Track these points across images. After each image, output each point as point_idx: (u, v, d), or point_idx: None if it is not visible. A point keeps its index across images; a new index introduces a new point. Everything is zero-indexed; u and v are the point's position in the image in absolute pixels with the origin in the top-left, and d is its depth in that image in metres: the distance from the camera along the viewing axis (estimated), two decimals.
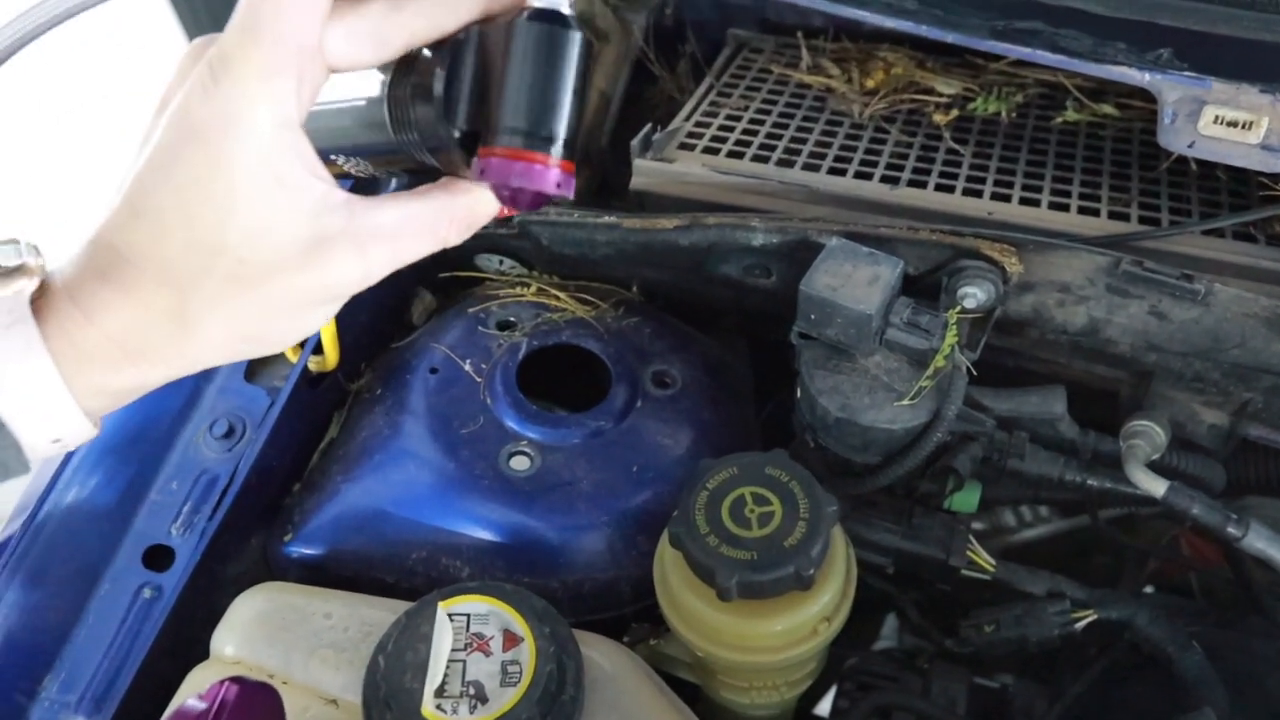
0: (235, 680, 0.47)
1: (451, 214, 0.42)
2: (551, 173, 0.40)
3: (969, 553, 0.72)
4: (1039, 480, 0.72)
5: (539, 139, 0.40)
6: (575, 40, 0.40)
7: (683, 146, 0.83)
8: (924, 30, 0.74)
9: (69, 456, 0.71)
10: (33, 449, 0.39)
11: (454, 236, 0.43)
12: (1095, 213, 0.76)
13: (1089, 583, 0.74)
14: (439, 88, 0.41)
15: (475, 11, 0.40)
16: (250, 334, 0.40)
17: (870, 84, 0.89)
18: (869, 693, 0.74)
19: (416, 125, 0.43)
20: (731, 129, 0.85)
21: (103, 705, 0.64)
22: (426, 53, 0.42)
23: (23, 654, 0.65)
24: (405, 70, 0.43)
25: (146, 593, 0.67)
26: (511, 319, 0.79)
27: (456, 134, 0.41)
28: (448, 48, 0.41)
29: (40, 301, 0.38)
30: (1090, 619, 0.71)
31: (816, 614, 0.60)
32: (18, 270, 0.38)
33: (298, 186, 0.37)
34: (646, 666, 0.63)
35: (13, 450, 0.38)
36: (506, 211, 0.45)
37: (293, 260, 0.38)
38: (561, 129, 0.40)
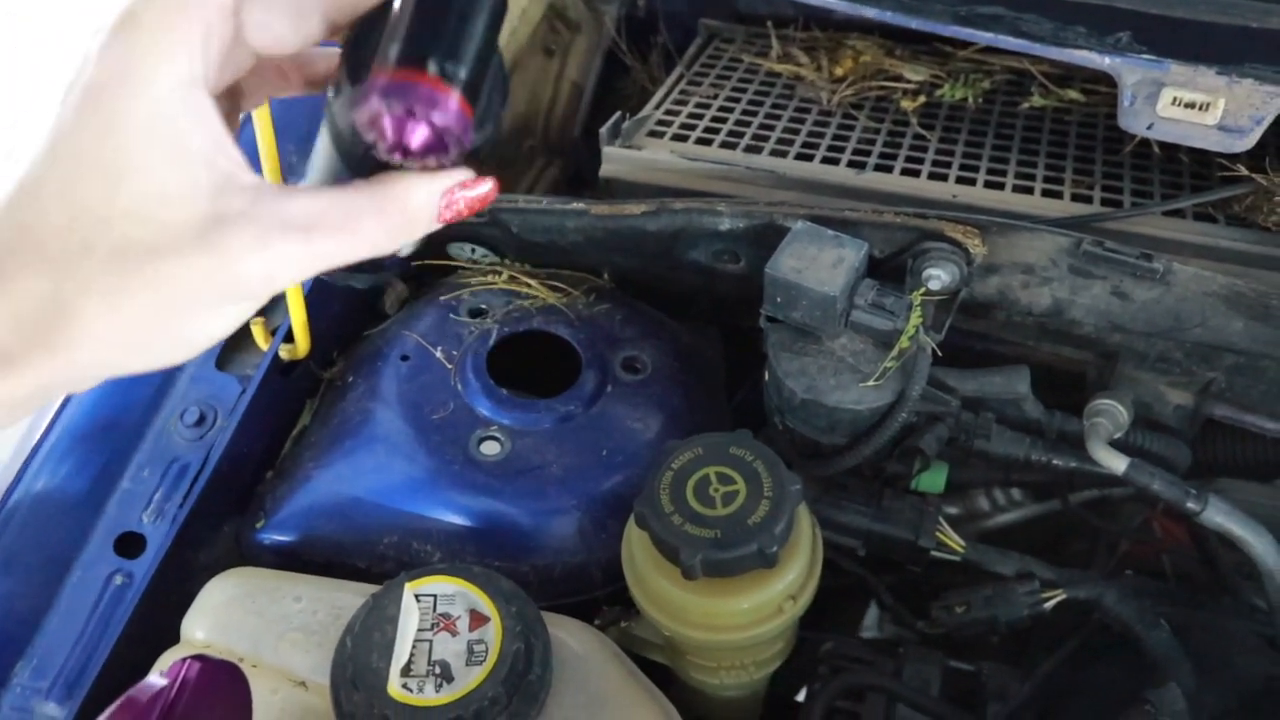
0: (198, 658, 0.47)
1: (380, 208, 0.36)
2: (448, 99, 0.35)
3: (938, 534, 0.73)
4: (1006, 461, 0.72)
5: (439, 66, 0.35)
6: None
7: (652, 134, 0.83)
8: (888, 16, 0.75)
9: (39, 444, 0.71)
10: None
11: (383, 239, 0.36)
12: (1059, 195, 0.76)
13: (1065, 568, 0.75)
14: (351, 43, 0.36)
15: None
16: (137, 335, 0.34)
17: (839, 72, 0.89)
18: (843, 675, 0.75)
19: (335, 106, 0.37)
20: (701, 116, 0.85)
21: (74, 691, 0.64)
22: None
23: None
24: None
25: (118, 580, 0.68)
26: (483, 306, 0.80)
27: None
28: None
29: None
30: (1059, 598, 0.71)
31: (782, 591, 0.60)
32: None
33: (198, 156, 0.33)
34: (616, 647, 0.64)
35: None
36: (443, 217, 0.39)
37: (186, 241, 0.33)
38: (464, 67, 0.35)
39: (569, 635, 0.62)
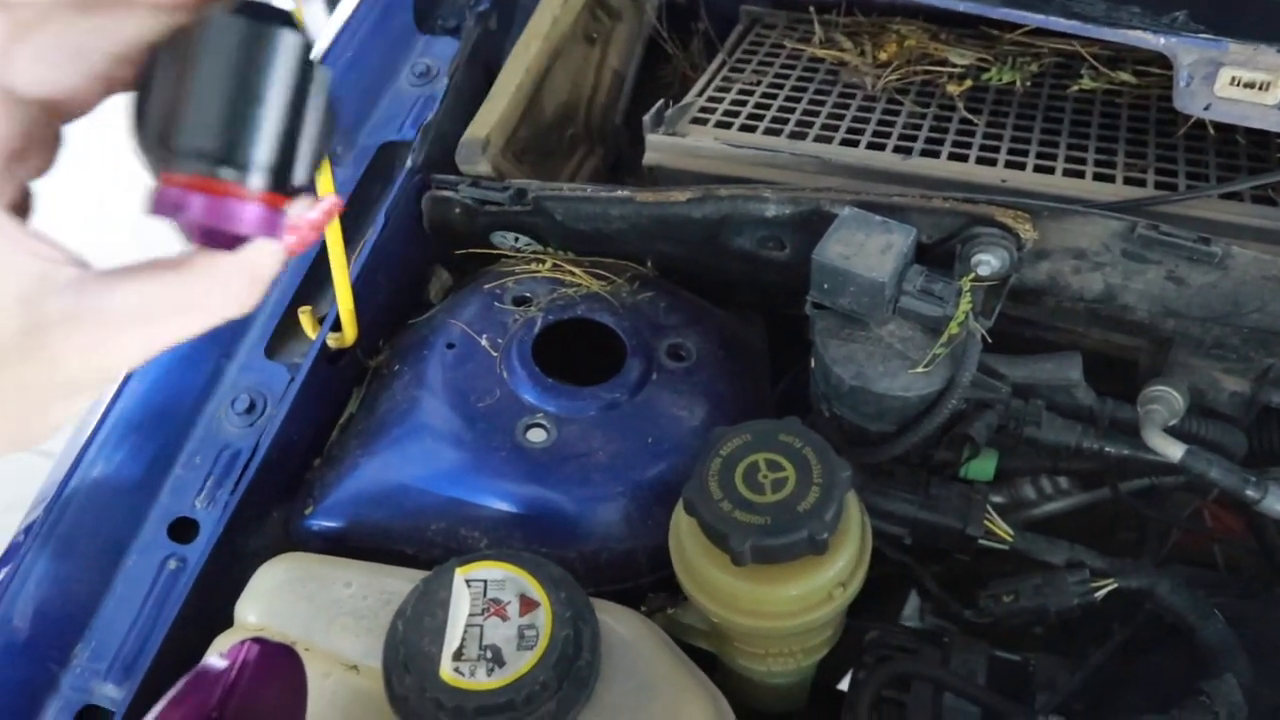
0: (256, 640, 0.48)
1: (223, 279, 0.33)
2: (246, 208, 0.31)
3: (986, 522, 0.72)
4: (1056, 448, 0.71)
5: (230, 164, 0.31)
6: (286, 40, 0.31)
7: (695, 121, 0.83)
8: (937, 1, 0.74)
9: (95, 431, 0.72)
10: None
11: (233, 307, 0.34)
12: (1110, 179, 0.75)
13: (1114, 557, 0.74)
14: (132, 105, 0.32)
15: (182, 12, 0.32)
16: None
17: (883, 57, 0.89)
18: (888, 664, 0.74)
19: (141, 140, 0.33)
20: (744, 103, 0.85)
21: (131, 672, 0.65)
22: None
23: (54, 624, 0.66)
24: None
25: (172, 564, 0.69)
26: (527, 294, 0.80)
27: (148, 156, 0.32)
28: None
29: None
30: (1110, 588, 0.71)
31: (831, 579, 0.60)
32: None
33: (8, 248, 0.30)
34: (663, 634, 0.64)
35: None
36: (291, 253, 0.35)
37: (10, 355, 0.30)
38: (262, 153, 0.31)
39: (617, 621, 0.62)
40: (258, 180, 0.32)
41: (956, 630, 0.80)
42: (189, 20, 0.32)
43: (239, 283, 0.33)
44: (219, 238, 0.32)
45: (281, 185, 0.32)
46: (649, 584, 0.72)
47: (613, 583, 0.71)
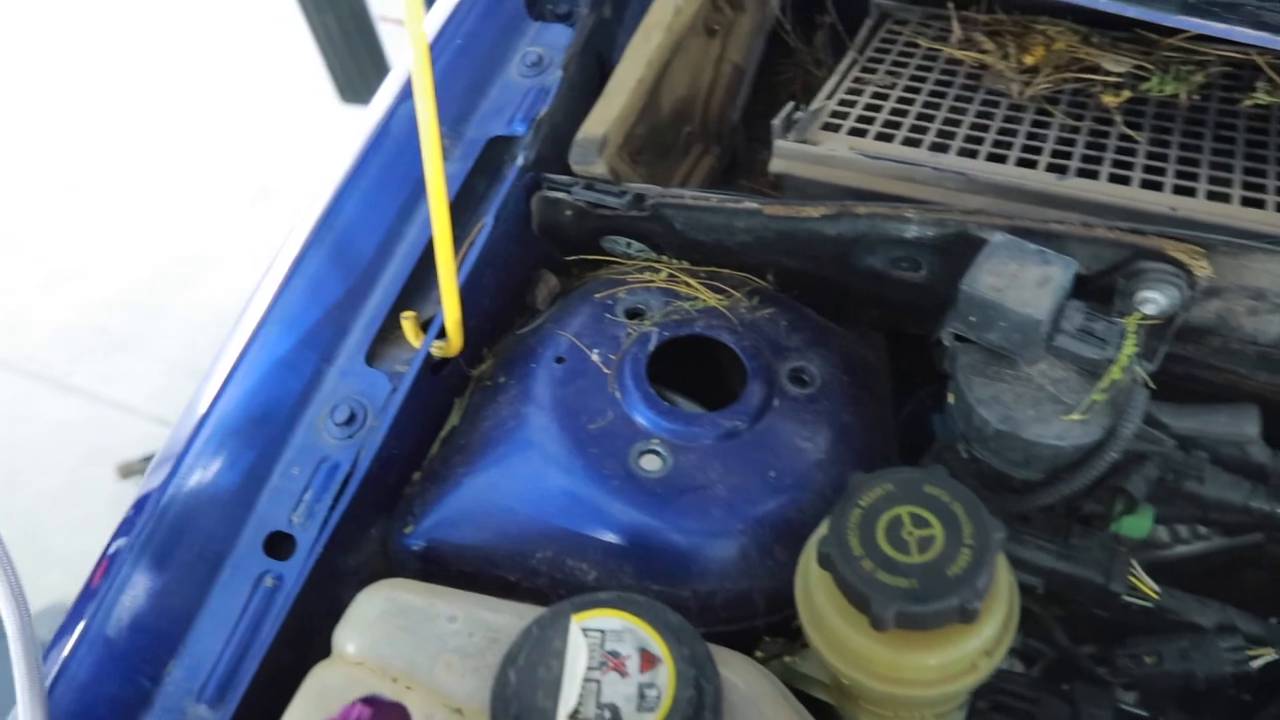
0: (368, 701, 0.45)
1: None
2: None
3: (1131, 578, 0.67)
4: (1217, 505, 0.65)
5: None
6: None
7: (826, 127, 0.77)
8: (1102, 4, 0.68)
9: (194, 436, 0.70)
10: None
11: None
12: None
13: (1239, 601, 0.68)
14: None
15: None
16: None
17: (1029, 60, 0.82)
18: (1005, 715, 0.70)
19: None
20: (878, 108, 0.79)
21: (225, 695, 0.63)
22: None
23: (147, 638, 0.64)
24: None
25: (268, 581, 0.66)
26: (640, 306, 0.75)
27: None
28: None
29: None
30: (1269, 658, 0.65)
31: (977, 648, 0.55)
32: None
33: None
34: (784, 688, 0.60)
35: None
36: None
37: None
38: None
39: (737, 675, 0.58)
40: None
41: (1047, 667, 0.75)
42: None
43: None
44: None
45: None
46: (763, 626, 0.67)
47: (726, 624, 0.66)
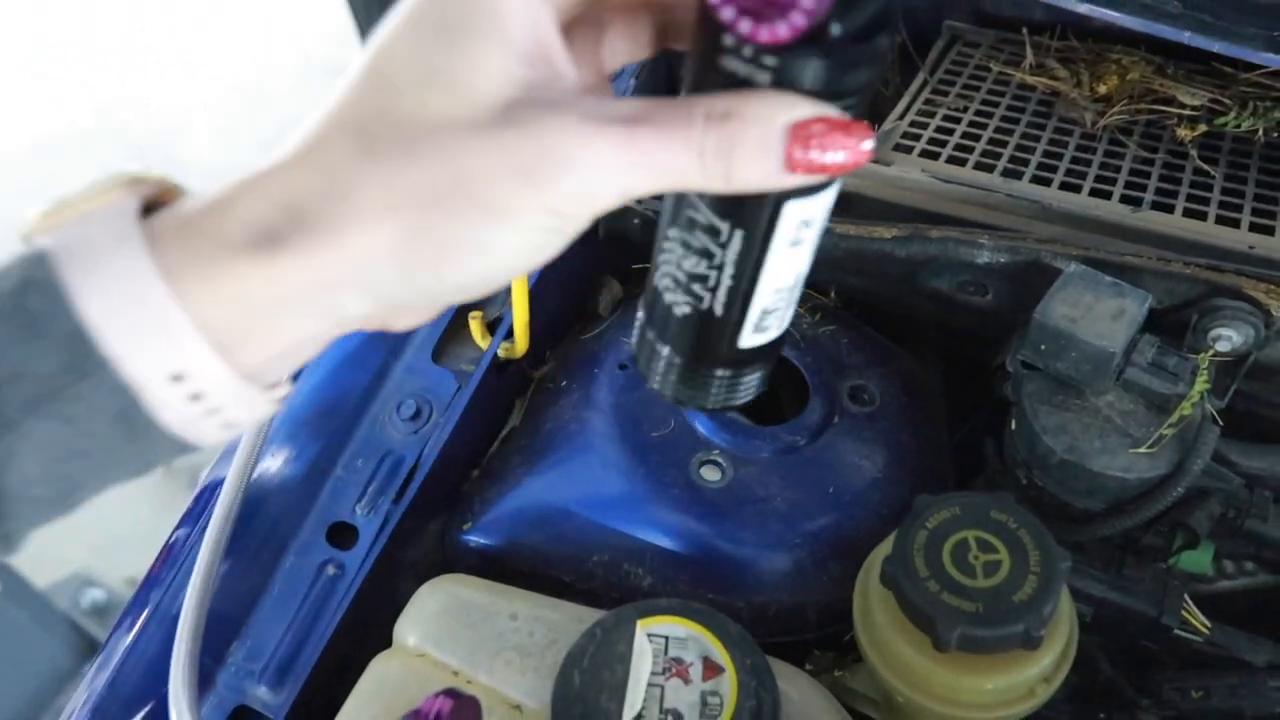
0: (449, 693, 0.46)
1: (710, 106, 0.29)
2: None
3: (1183, 612, 0.67)
4: (1276, 543, 0.65)
5: None
6: None
7: (898, 148, 0.78)
8: (1185, 38, 0.68)
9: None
10: (147, 390, 0.29)
11: (712, 149, 0.29)
12: None
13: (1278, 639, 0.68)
14: None
15: None
16: (418, 222, 0.28)
17: (1102, 89, 0.82)
18: None
19: None
20: (950, 131, 0.79)
21: (285, 678, 0.64)
22: None
23: (212, 620, 0.65)
24: None
25: (330, 570, 0.67)
26: None
27: None
28: None
29: (181, 202, 0.30)
30: None
31: (1036, 675, 0.56)
32: (131, 182, 0.30)
33: (520, 49, 0.29)
34: (838, 705, 0.60)
35: (123, 399, 0.28)
36: (792, 161, 0.30)
37: (487, 116, 0.28)
38: None
39: (793, 688, 0.59)
40: None
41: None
42: None
43: (730, 132, 0.29)
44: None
45: None
46: (814, 640, 0.68)
47: (778, 635, 0.67)
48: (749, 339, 0.41)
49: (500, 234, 0.29)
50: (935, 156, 0.76)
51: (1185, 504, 0.63)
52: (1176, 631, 0.67)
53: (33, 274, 0.28)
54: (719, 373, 0.43)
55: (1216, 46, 0.67)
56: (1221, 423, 0.62)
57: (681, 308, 0.40)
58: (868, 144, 0.30)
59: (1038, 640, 0.54)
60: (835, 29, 0.29)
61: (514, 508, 0.70)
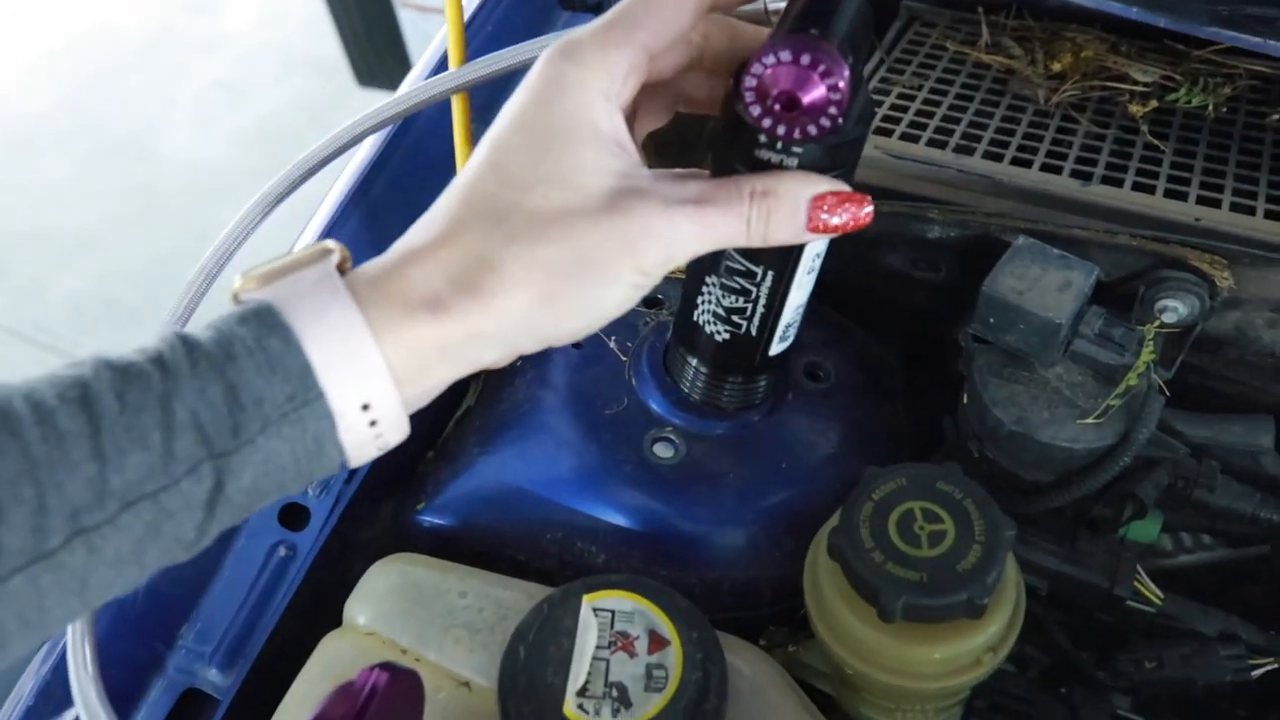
0: (385, 666, 0.45)
1: (754, 186, 0.41)
2: (844, 65, 0.39)
3: (1136, 584, 0.67)
4: (1226, 514, 0.66)
5: (834, 37, 0.40)
6: None
7: None
8: (1133, 13, 0.68)
9: None
10: (343, 417, 0.37)
11: (755, 219, 0.41)
12: None
13: (1242, 615, 0.68)
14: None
15: None
16: (548, 289, 0.38)
17: (1056, 67, 0.82)
18: (1003, 716, 0.70)
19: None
20: (904, 109, 0.79)
21: (236, 659, 0.64)
22: None
23: (162, 603, 0.65)
24: None
25: (282, 551, 0.67)
26: (659, 296, 0.76)
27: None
28: None
29: (358, 268, 0.39)
30: (1270, 667, 0.65)
31: (982, 644, 0.56)
32: (323, 251, 0.39)
33: (609, 147, 0.40)
34: (789, 678, 0.60)
35: (325, 424, 0.36)
36: (812, 224, 0.43)
37: (597, 204, 0.38)
38: (850, 50, 0.40)
39: (743, 662, 0.59)
40: (849, 58, 0.40)
41: (1041, 671, 0.75)
42: None
43: (769, 206, 0.42)
44: (807, 86, 0.40)
45: (855, 86, 0.41)
46: (768, 615, 0.68)
47: (731, 611, 0.67)
48: (776, 348, 0.57)
49: (608, 294, 0.40)
50: (889, 134, 0.76)
51: (1133, 474, 0.64)
52: (1129, 603, 0.67)
53: (266, 321, 0.36)
54: (742, 379, 0.61)
55: (1162, 21, 0.67)
56: (1168, 393, 0.62)
57: (722, 335, 0.56)
58: (868, 209, 0.43)
59: (982, 609, 0.54)
60: (843, 124, 0.41)
61: (468, 487, 0.70)
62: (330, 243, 0.39)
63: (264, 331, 0.36)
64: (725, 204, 0.41)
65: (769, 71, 0.40)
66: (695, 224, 0.40)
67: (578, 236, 0.38)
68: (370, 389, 0.37)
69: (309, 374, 0.36)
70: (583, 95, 0.39)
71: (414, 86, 0.61)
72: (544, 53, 0.41)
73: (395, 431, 0.39)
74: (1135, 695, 0.72)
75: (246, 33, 3.16)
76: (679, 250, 0.40)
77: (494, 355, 0.40)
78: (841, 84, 0.40)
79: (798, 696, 0.60)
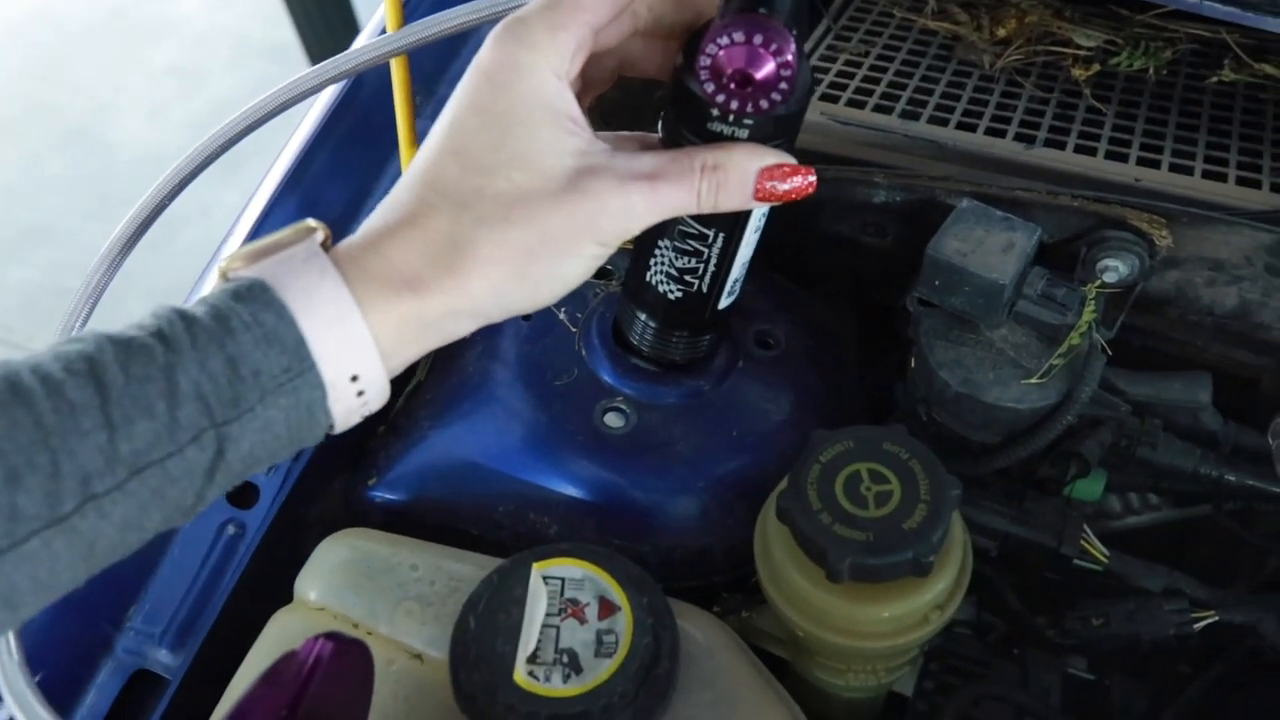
0: (330, 636, 0.45)
1: (704, 160, 0.43)
2: (790, 41, 0.41)
3: (1082, 542, 0.68)
4: (1168, 471, 0.67)
5: (782, 14, 0.42)
6: None
7: None
8: None
9: None
10: (334, 387, 0.39)
11: (706, 190, 0.44)
12: (1256, 184, 0.69)
13: (1191, 574, 0.70)
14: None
15: None
16: (517, 266, 0.41)
17: (1001, 33, 0.82)
18: (956, 676, 0.71)
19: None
20: (851, 76, 0.79)
21: (185, 639, 0.63)
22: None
23: (110, 584, 0.64)
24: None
25: (230, 529, 0.66)
26: (609, 267, 0.75)
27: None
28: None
29: (336, 246, 0.41)
30: (1211, 620, 0.66)
31: (929, 602, 0.56)
32: (307, 230, 0.41)
33: (566, 126, 0.41)
34: (741, 643, 0.61)
35: (317, 393, 0.38)
36: (758, 194, 0.45)
37: (558, 184, 0.41)
38: (794, 27, 0.42)
39: (695, 628, 0.59)
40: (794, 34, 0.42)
41: (1004, 635, 0.76)
42: None
43: (719, 178, 0.44)
44: (757, 62, 0.42)
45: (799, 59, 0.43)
46: (723, 583, 0.68)
47: (685, 580, 0.67)
48: (724, 303, 0.60)
49: (570, 266, 0.43)
50: (835, 100, 0.76)
51: (1077, 433, 0.64)
52: (1076, 562, 0.69)
53: (260, 298, 0.38)
54: (689, 334, 0.64)
55: None
56: (1110, 353, 0.63)
57: (675, 294, 0.59)
58: (811, 178, 0.46)
59: (928, 566, 0.54)
60: (790, 98, 0.44)
61: (419, 462, 0.70)
62: (312, 221, 0.41)
63: (259, 307, 0.37)
64: (678, 178, 0.43)
65: (722, 52, 0.42)
66: (649, 198, 0.42)
67: (542, 217, 0.41)
68: (359, 361, 0.39)
69: (303, 347, 0.38)
70: (535, 76, 0.41)
71: (343, 54, 0.60)
72: (492, 34, 0.42)
73: (379, 399, 0.42)
74: (1085, 653, 0.73)
75: (198, 16, 3.11)
76: (635, 223, 0.43)
77: (467, 327, 0.43)
78: (791, 59, 0.42)
79: (750, 660, 0.60)
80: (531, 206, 0.40)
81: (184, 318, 0.37)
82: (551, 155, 0.41)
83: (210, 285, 0.40)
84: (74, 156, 2.72)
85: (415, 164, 0.42)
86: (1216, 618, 0.66)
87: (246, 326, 0.37)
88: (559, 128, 0.41)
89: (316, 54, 2.69)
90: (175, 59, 2.97)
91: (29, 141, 2.77)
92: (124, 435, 0.34)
